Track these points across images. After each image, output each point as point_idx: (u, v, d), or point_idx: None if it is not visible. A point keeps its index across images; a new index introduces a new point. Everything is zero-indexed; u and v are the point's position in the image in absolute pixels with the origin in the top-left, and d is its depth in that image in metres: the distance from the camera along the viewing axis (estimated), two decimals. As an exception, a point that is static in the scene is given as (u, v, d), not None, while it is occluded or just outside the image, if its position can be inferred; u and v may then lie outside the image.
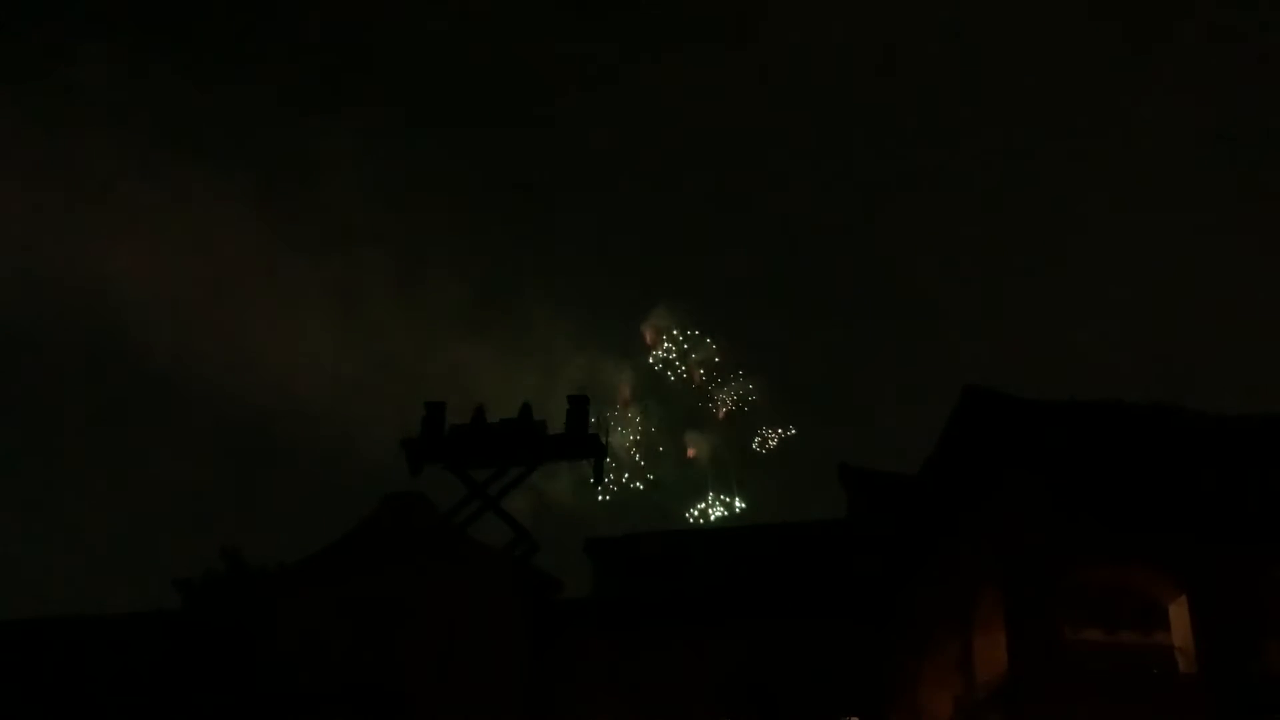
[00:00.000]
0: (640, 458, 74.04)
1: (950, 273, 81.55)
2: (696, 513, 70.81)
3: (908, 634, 23.71)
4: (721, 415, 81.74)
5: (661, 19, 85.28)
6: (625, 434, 72.73)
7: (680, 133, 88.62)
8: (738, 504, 71.72)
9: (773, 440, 75.87)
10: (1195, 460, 20.05)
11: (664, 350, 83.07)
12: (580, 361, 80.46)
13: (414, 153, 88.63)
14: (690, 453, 78.61)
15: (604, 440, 30.03)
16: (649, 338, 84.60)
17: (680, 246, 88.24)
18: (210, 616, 29.33)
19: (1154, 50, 76.22)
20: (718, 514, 71.21)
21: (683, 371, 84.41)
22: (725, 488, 73.29)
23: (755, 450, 77.75)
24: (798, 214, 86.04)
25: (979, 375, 20.96)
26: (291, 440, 78.25)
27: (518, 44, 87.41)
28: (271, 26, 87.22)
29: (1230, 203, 72.87)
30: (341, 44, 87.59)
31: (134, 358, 78.00)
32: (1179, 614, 19.42)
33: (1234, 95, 75.13)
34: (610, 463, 30.69)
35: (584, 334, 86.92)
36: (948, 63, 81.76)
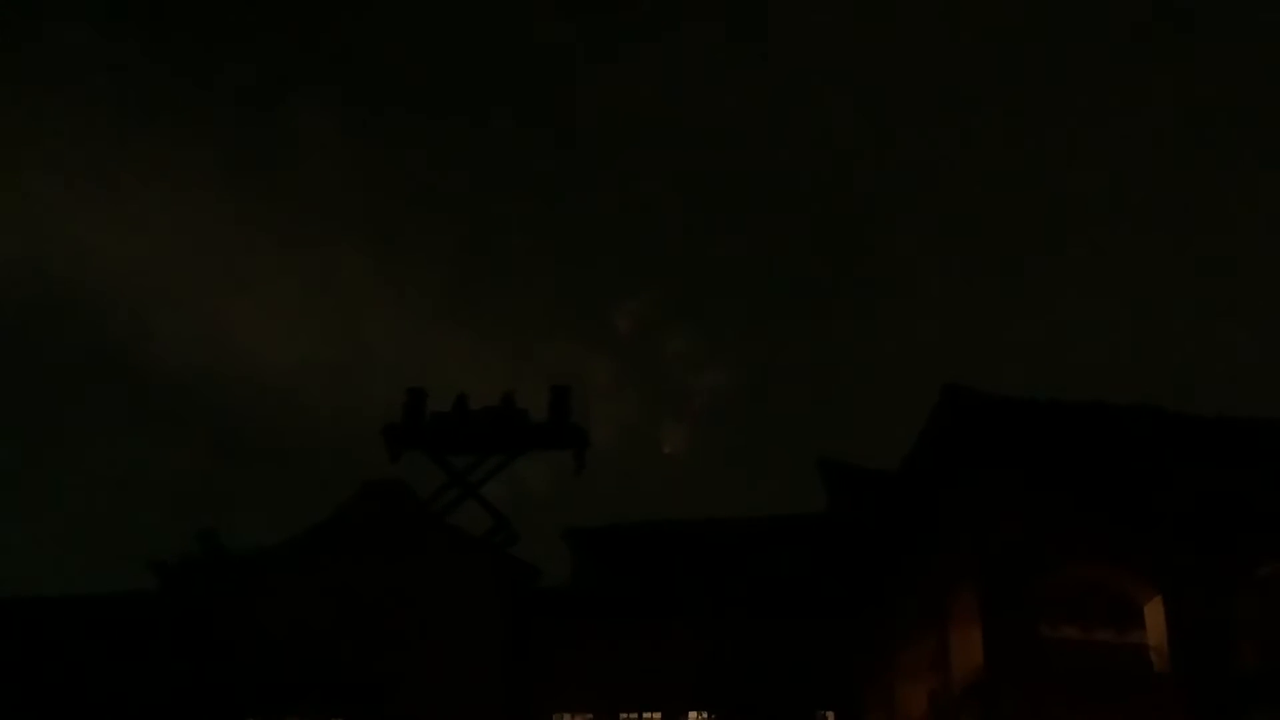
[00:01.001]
0: (615, 447, 74.12)
1: (946, 267, 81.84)
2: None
3: (885, 629, 23.80)
4: (697, 406, 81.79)
5: (651, 8, 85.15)
6: (599, 423, 72.82)
7: (666, 121, 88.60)
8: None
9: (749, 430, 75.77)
10: (1174, 461, 20.13)
11: (640, 339, 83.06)
12: (556, 348, 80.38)
13: (391, 137, 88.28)
14: (665, 450, 78.53)
15: (586, 431, 30.03)
16: (625, 326, 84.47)
17: (662, 235, 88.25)
18: (185, 599, 29.26)
19: (1155, 44, 76.59)
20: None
21: (661, 362, 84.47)
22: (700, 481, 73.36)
23: (732, 440, 77.88)
24: (782, 205, 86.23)
25: (968, 371, 21.06)
26: (266, 424, 78.00)
27: (496, 26, 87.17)
28: (247, 5, 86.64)
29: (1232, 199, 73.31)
30: (318, 24, 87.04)
31: (100, 337, 77.37)
32: (1154, 613, 19.51)
33: (1233, 94, 75.62)
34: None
35: (560, 321, 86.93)
36: (949, 54, 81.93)
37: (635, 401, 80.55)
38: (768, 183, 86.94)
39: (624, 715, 25.65)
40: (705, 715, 25.41)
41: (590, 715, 25.82)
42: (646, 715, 25.58)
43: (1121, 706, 18.80)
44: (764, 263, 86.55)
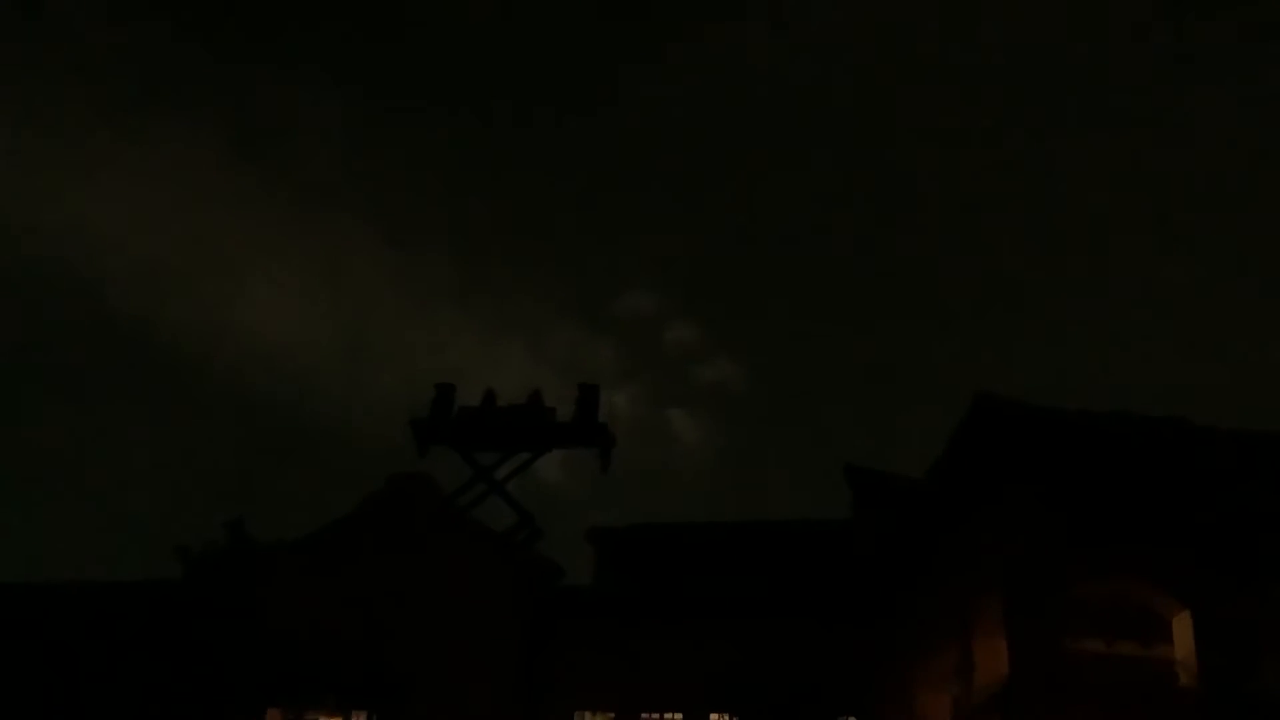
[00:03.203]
0: (624, 439, 73.57)
1: (976, 272, 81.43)
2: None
3: (907, 637, 23.73)
4: (705, 400, 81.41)
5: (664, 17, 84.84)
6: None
7: (688, 116, 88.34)
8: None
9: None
10: (1203, 474, 20.00)
11: (646, 331, 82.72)
12: (564, 336, 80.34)
13: (397, 120, 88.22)
14: (674, 443, 78.12)
15: (613, 431, 30.05)
16: (632, 317, 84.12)
17: (679, 228, 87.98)
18: (209, 589, 29.44)
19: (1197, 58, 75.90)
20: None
21: (668, 356, 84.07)
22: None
23: (740, 436, 77.44)
24: (818, 208, 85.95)
25: (996, 379, 20.99)
26: (279, 412, 78.14)
27: (509, 18, 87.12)
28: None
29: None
30: (327, 6, 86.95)
31: (113, 320, 77.43)
32: (1182, 628, 19.39)
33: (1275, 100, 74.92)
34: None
35: (566, 309, 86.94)
36: (985, 57, 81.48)
37: (643, 394, 79.99)
38: (799, 183, 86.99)
39: (645, 716, 25.66)
40: (727, 718, 25.40)
41: (611, 715, 25.84)
42: (668, 716, 25.59)
43: (1145, 719, 18.72)
44: (782, 262, 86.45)
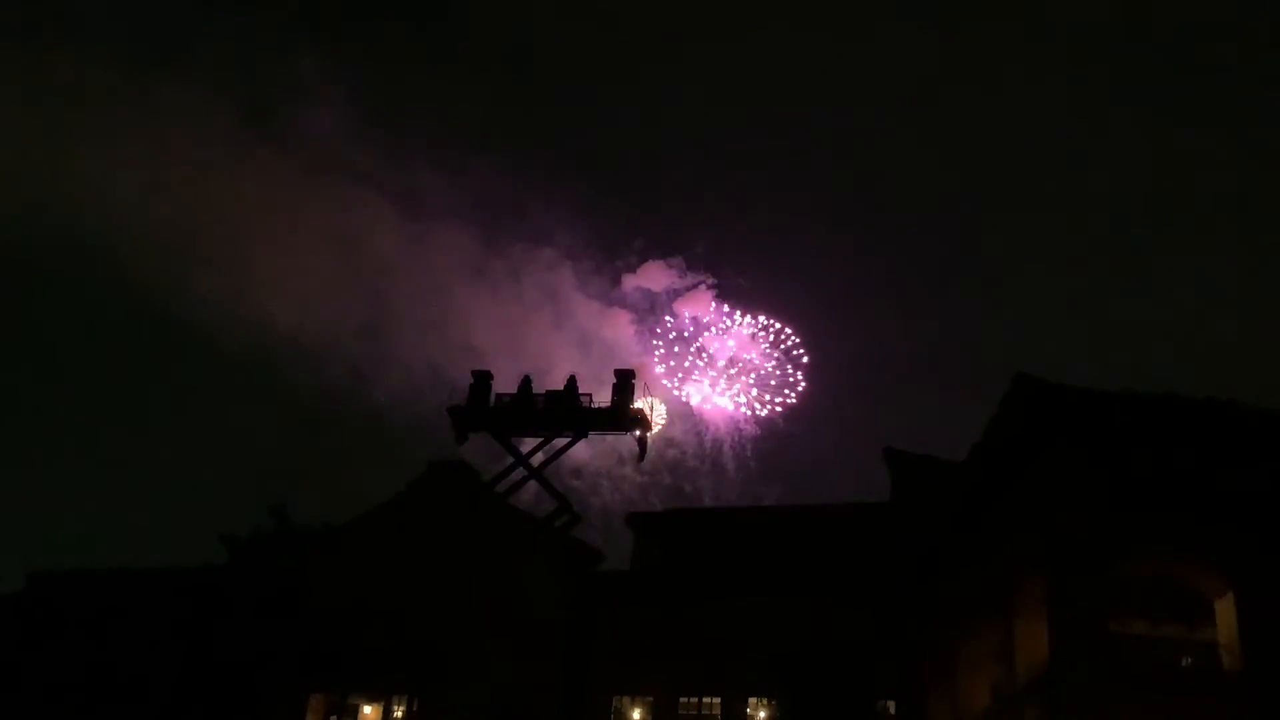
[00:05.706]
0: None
1: (1016, 256, 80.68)
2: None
3: (947, 619, 23.57)
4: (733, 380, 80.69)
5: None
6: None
7: (727, 89, 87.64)
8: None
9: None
10: (1247, 455, 19.71)
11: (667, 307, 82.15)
12: (584, 313, 79.79)
13: (412, 94, 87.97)
14: (697, 410, 77.34)
15: (649, 417, 30.04)
16: (653, 293, 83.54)
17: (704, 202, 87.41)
18: (254, 574, 29.70)
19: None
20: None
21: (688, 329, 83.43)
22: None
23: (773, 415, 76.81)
24: (863, 188, 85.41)
25: (1035, 360, 20.73)
26: (305, 394, 78.06)
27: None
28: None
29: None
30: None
31: (134, 295, 77.28)
32: (1225, 610, 19.14)
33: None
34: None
35: (588, 285, 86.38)
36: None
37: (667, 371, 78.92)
38: (842, 162, 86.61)
39: (683, 700, 25.65)
40: (765, 702, 25.37)
41: (650, 699, 25.87)
42: (706, 701, 25.58)
43: (1190, 704, 18.47)
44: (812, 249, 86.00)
